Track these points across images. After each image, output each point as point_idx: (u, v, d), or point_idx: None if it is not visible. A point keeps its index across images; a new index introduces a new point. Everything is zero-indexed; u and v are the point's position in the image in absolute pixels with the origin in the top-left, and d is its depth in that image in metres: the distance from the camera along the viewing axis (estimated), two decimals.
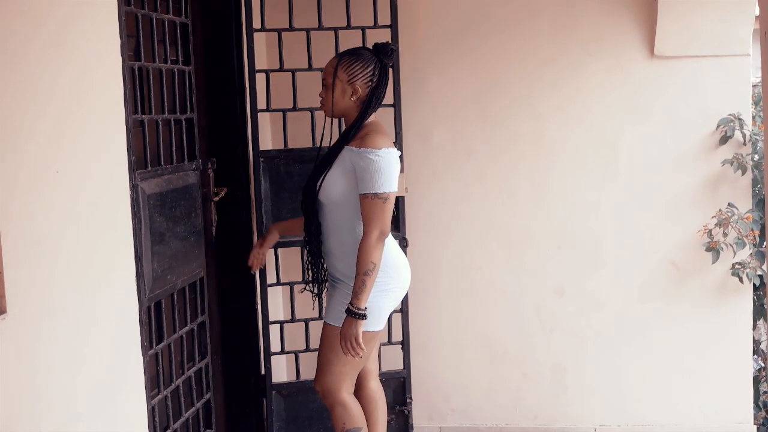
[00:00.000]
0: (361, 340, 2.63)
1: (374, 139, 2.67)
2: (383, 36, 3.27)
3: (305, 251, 2.91)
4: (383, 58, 2.76)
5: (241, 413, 3.38)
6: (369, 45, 3.26)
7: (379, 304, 2.74)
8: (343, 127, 2.89)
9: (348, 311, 2.63)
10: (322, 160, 2.79)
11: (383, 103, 3.26)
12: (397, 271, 2.79)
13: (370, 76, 2.73)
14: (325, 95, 2.77)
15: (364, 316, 2.63)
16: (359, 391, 2.95)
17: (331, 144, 2.82)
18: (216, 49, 3.20)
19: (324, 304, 2.95)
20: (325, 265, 2.87)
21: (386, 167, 2.65)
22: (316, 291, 2.91)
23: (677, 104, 3.54)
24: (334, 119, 2.85)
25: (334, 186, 2.71)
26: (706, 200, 3.54)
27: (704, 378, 3.63)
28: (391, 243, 2.79)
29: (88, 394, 1.98)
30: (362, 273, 2.61)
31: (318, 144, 2.91)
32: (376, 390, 3.00)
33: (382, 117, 3.30)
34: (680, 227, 3.56)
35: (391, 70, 3.25)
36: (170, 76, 2.63)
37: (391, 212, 2.69)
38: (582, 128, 3.58)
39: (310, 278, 2.91)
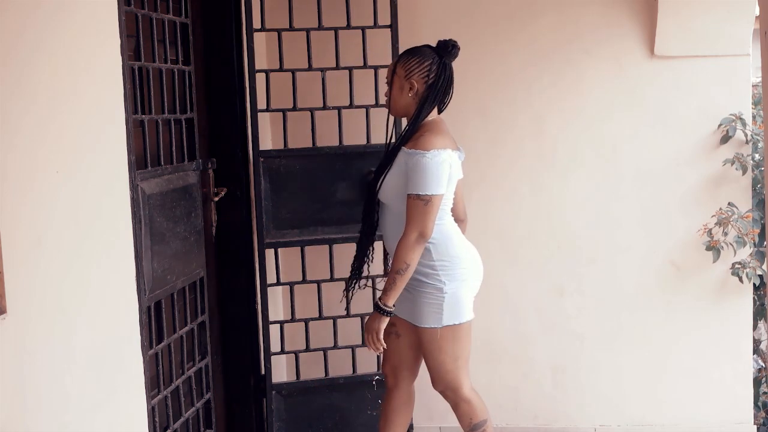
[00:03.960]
0: (381, 337, 2.69)
1: (426, 140, 2.68)
2: (383, 36, 3.28)
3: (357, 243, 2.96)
4: (443, 55, 2.77)
5: (241, 413, 3.38)
6: (369, 45, 3.28)
7: (458, 296, 2.77)
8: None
9: (375, 306, 2.69)
10: (383, 159, 2.84)
11: (382, 103, 3.29)
12: (465, 259, 2.81)
13: (427, 71, 2.75)
14: (388, 93, 2.83)
15: (389, 314, 2.68)
16: (407, 384, 3.00)
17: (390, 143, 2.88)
18: (216, 49, 3.20)
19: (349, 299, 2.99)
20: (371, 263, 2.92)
21: (432, 169, 2.65)
22: (356, 286, 2.93)
23: (677, 104, 3.54)
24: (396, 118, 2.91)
25: (391, 187, 2.76)
26: (706, 200, 3.54)
27: (704, 378, 3.63)
28: (455, 233, 2.83)
29: (88, 393, 1.98)
30: (395, 271, 2.65)
31: (386, 140, 2.94)
32: (411, 394, 3.05)
33: (382, 116, 3.32)
34: (680, 227, 3.56)
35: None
36: (170, 76, 2.63)
37: (435, 214, 2.68)
38: (582, 128, 3.58)
39: (352, 270, 2.94)
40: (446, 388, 2.88)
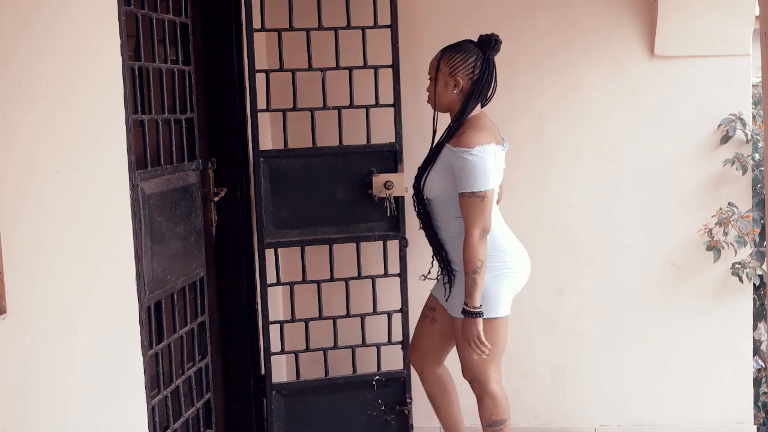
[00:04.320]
0: (483, 338, 2.72)
1: (469, 137, 2.71)
2: (383, 36, 3.28)
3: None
4: (486, 50, 2.79)
5: (241, 413, 3.38)
6: (369, 45, 3.28)
7: (495, 291, 2.79)
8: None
9: (464, 312, 2.72)
10: (428, 156, 2.87)
11: (382, 103, 3.30)
12: (508, 254, 2.85)
13: (471, 67, 2.78)
14: (431, 89, 2.85)
15: (480, 314, 2.72)
16: (431, 370, 3.09)
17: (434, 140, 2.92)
18: (216, 49, 3.20)
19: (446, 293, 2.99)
20: (449, 256, 2.92)
21: (481, 165, 2.69)
22: (446, 280, 2.93)
23: (677, 104, 3.54)
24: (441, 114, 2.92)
25: (435, 184, 2.80)
26: (706, 200, 3.54)
27: (704, 378, 3.63)
28: (499, 227, 2.87)
29: (88, 393, 1.98)
30: (471, 272, 2.69)
31: (432, 136, 2.99)
32: (447, 375, 3.13)
33: (384, 116, 3.33)
34: (680, 227, 3.56)
35: (389, 71, 3.28)
36: (170, 76, 2.63)
37: (491, 208, 2.74)
38: (582, 128, 3.58)
39: (441, 267, 2.96)
40: (473, 379, 2.93)
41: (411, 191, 3.02)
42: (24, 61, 1.75)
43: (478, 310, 2.71)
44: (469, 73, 2.78)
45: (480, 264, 2.69)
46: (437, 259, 2.97)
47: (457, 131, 2.79)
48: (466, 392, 3.63)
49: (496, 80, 2.85)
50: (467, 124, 2.79)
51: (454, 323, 2.89)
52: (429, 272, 3.05)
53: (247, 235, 3.33)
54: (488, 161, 2.70)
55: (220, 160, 3.11)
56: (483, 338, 2.73)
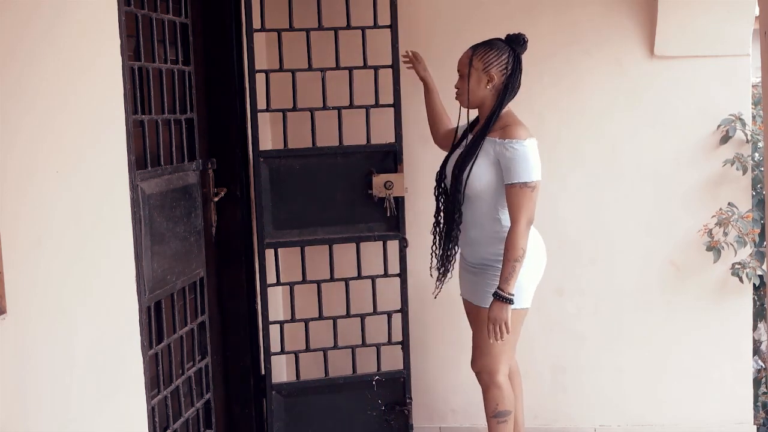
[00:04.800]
0: (509, 324, 2.76)
1: (517, 130, 2.78)
2: (383, 36, 3.28)
3: (438, 238, 3.03)
4: (516, 48, 2.86)
5: (241, 413, 3.38)
6: (369, 45, 3.28)
7: (523, 282, 2.84)
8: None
9: (496, 295, 2.76)
10: (466, 151, 2.87)
11: (382, 103, 3.30)
12: (535, 248, 2.89)
13: (505, 64, 2.85)
14: (461, 86, 2.88)
15: (511, 301, 2.75)
16: None
17: (468, 133, 2.96)
18: (216, 49, 3.20)
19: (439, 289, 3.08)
20: (458, 254, 2.98)
21: (531, 156, 2.77)
22: (442, 278, 3.01)
23: (677, 104, 3.54)
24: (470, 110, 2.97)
25: (481, 177, 2.82)
26: (706, 200, 3.54)
27: (704, 378, 3.63)
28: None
29: (87, 394, 1.98)
30: (512, 260, 2.74)
31: (456, 136, 3.08)
32: (516, 368, 3.17)
33: (383, 116, 3.33)
34: (680, 227, 3.56)
35: (389, 71, 3.28)
36: (170, 76, 2.63)
37: (536, 200, 2.79)
38: (582, 128, 3.58)
39: (440, 265, 3.02)
40: (483, 369, 2.97)
41: (438, 192, 3.05)
42: (24, 61, 1.75)
43: (511, 296, 2.76)
44: (503, 69, 2.84)
45: (522, 253, 2.75)
46: (443, 255, 2.98)
47: (493, 126, 2.84)
48: (465, 393, 3.65)
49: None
50: (505, 118, 2.86)
51: (477, 313, 2.95)
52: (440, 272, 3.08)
53: (247, 235, 3.33)
54: (536, 152, 2.79)
55: (220, 160, 3.11)
56: (509, 324, 2.78)
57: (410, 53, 3.27)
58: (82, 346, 1.95)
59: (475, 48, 2.89)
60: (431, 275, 3.14)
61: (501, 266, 2.79)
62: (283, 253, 3.38)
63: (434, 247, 3.08)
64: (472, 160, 2.83)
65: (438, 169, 3.05)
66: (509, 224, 2.79)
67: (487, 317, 2.81)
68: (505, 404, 2.97)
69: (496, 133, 2.82)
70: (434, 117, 3.24)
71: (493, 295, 2.78)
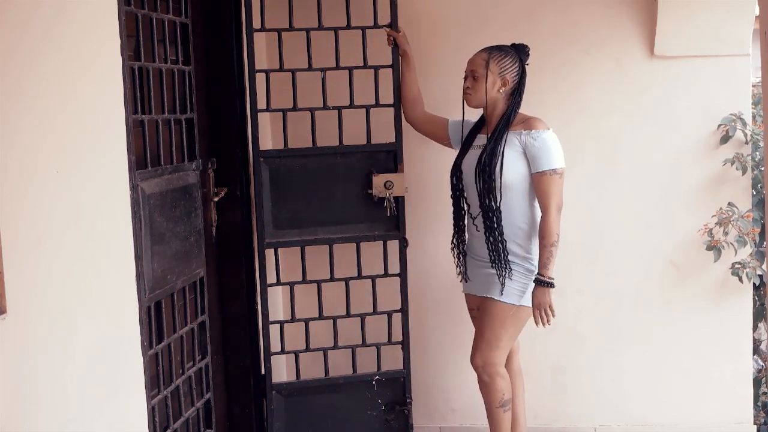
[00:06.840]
0: (553, 306, 2.91)
1: (539, 122, 2.97)
2: (383, 36, 3.28)
3: (454, 240, 3.17)
4: (522, 56, 3.02)
5: (241, 413, 3.38)
6: (369, 45, 3.28)
7: (524, 283, 2.97)
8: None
9: (538, 281, 2.92)
10: (492, 146, 2.96)
11: (382, 103, 3.31)
12: (536, 252, 2.99)
13: (517, 70, 3.00)
14: (474, 86, 3.02)
15: (553, 285, 2.92)
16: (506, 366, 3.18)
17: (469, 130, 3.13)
18: (216, 49, 3.20)
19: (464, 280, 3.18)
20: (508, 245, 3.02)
21: (557, 145, 2.95)
22: (501, 273, 3.03)
23: (677, 104, 3.54)
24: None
25: (515, 169, 2.93)
26: (706, 200, 3.54)
27: (704, 378, 3.63)
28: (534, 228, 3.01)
29: (88, 393, 1.98)
30: (549, 245, 2.89)
31: (465, 132, 3.18)
32: (518, 366, 3.26)
33: (384, 116, 3.34)
34: (680, 227, 3.56)
35: (389, 71, 3.28)
36: (170, 76, 2.63)
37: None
38: (582, 128, 3.58)
39: (458, 263, 3.19)
40: (486, 362, 3.04)
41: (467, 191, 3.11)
42: (24, 61, 1.75)
43: (552, 280, 2.91)
44: (515, 75, 3.00)
45: (557, 237, 2.89)
46: (494, 254, 3.00)
47: (510, 124, 2.97)
48: (465, 393, 3.65)
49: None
50: (522, 115, 3.01)
51: (489, 306, 3.01)
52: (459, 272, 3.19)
53: (247, 235, 3.33)
54: (558, 142, 2.95)
55: (220, 160, 3.11)
56: (553, 307, 2.91)
57: (389, 30, 3.27)
58: (82, 346, 1.95)
59: (491, 51, 3.00)
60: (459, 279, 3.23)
61: (525, 263, 2.97)
62: (283, 253, 3.38)
63: (453, 248, 3.19)
64: (500, 154, 2.93)
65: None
66: (540, 214, 2.94)
67: (502, 312, 2.97)
68: (508, 392, 3.08)
69: (518, 127, 2.97)
70: (409, 91, 3.27)
71: (534, 281, 2.93)
